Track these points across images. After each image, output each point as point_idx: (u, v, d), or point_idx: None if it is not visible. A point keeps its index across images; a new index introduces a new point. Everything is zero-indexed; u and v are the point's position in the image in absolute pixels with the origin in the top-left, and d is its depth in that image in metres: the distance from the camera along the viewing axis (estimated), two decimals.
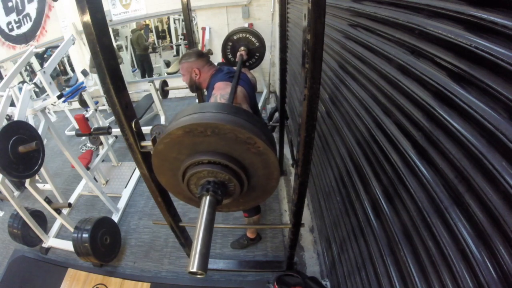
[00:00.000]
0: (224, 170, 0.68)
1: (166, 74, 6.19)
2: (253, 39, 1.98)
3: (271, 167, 0.70)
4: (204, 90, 1.62)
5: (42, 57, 6.44)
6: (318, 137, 1.99)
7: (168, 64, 6.81)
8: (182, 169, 0.72)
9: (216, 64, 4.11)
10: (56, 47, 2.53)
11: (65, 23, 4.56)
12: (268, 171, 0.71)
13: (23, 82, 5.52)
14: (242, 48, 1.97)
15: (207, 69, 1.51)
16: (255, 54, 2.02)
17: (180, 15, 6.49)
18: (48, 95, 2.20)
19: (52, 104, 2.27)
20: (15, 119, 1.88)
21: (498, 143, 0.54)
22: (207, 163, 0.68)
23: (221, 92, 1.30)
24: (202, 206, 0.68)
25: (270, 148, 0.65)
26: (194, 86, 1.57)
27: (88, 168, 2.72)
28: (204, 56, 1.53)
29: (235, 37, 1.98)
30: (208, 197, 0.69)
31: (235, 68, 1.60)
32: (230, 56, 2.05)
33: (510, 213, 0.52)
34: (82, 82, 3.67)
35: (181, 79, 1.61)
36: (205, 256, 0.60)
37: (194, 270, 0.58)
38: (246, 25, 4.46)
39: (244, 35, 1.97)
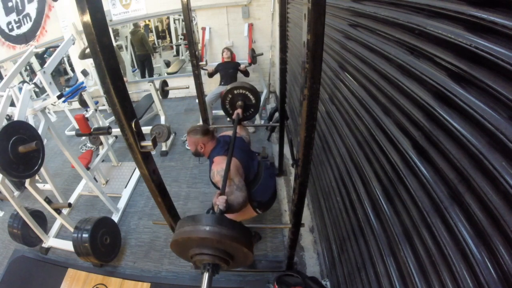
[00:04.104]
0: (220, 259, 1.08)
1: (166, 74, 6.18)
2: (250, 96, 2.17)
3: (248, 257, 1.11)
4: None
5: (42, 57, 6.45)
6: (318, 137, 1.99)
7: (168, 64, 6.81)
8: (190, 253, 1.11)
9: (216, 64, 4.12)
10: (56, 47, 2.53)
11: (65, 23, 4.56)
12: (246, 258, 1.12)
13: (23, 82, 5.52)
14: (239, 103, 2.16)
15: (210, 144, 1.82)
16: (250, 109, 2.24)
17: (180, 15, 6.49)
18: (48, 95, 2.20)
19: (52, 104, 2.27)
20: (15, 119, 1.88)
21: (498, 143, 0.54)
22: (210, 254, 1.07)
23: (217, 168, 1.63)
24: (203, 280, 1.06)
25: (249, 251, 1.05)
26: (198, 154, 1.88)
27: (88, 168, 2.72)
28: (209, 133, 1.82)
29: (235, 92, 2.16)
30: (207, 274, 1.07)
31: (230, 134, 1.89)
32: (228, 106, 2.23)
33: (510, 213, 0.52)
34: (82, 82, 3.67)
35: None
36: None
37: None
38: (246, 25, 4.46)
39: (243, 91, 2.15)
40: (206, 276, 1.06)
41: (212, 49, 4.81)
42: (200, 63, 2.18)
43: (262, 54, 4.36)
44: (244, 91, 2.15)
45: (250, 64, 4.09)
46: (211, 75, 3.96)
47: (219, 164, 1.63)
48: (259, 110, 3.99)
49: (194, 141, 1.80)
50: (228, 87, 2.18)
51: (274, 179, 2.02)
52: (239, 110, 2.12)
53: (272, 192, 1.94)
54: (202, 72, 3.34)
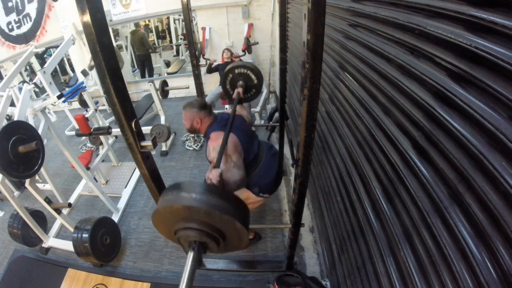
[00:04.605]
0: (208, 236, 0.90)
1: (166, 74, 6.18)
2: (252, 76, 2.04)
3: (243, 239, 0.94)
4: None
5: (42, 57, 6.45)
6: (318, 137, 1.99)
7: (168, 64, 6.81)
8: (175, 228, 0.93)
9: (216, 63, 4.09)
10: (56, 47, 2.53)
11: (65, 23, 4.56)
12: (240, 239, 0.96)
13: (23, 82, 5.52)
14: (240, 83, 2.03)
15: (207, 120, 1.70)
16: (252, 89, 2.11)
17: (180, 15, 6.49)
18: (48, 95, 2.20)
19: (52, 104, 2.27)
20: (15, 119, 1.88)
21: (498, 143, 0.54)
22: (196, 229, 0.89)
23: (213, 144, 1.51)
24: (187, 260, 0.88)
25: (245, 228, 0.88)
26: (194, 131, 1.77)
27: (88, 168, 2.72)
28: (206, 108, 1.71)
29: (236, 71, 2.04)
30: (192, 253, 0.89)
31: (229, 112, 1.74)
32: (228, 86, 2.12)
33: (510, 213, 0.52)
34: (82, 82, 3.67)
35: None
36: None
37: None
38: (246, 25, 4.46)
39: (245, 71, 2.03)
40: (190, 256, 0.89)
41: (212, 49, 4.81)
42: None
43: (257, 43, 4.33)
44: (245, 70, 2.03)
45: (244, 52, 4.05)
46: (210, 70, 3.92)
47: (216, 140, 1.52)
48: (263, 108, 4.00)
49: (189, 115, 1.69)
50: (229, 66, 2.05)
51: (277, 159, 1.90)
52: (239, 89, 1.99)
53: (276, 173, 1.84)
54: (202, 72, 3.33)
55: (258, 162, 1.75)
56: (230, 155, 1.47)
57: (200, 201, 0.84)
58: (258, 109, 3.78)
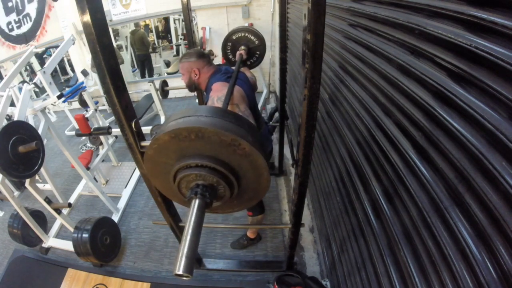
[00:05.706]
0: (211, 173, 0.68)
1: (166, 74, 6.19)
2: (252, 37, 1.96)
3: (260, 168, 0.68)
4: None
5: (42, 57, 6.46)
6: (318, 137, 1.99)
7: (168, 64, 6.82)
8: (172, 173, 0.73)
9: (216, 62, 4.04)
10: (56, 47, 2.53)
11: (65, 23, 4.56)
12: (257, 172, 0.70)
13: (23, 82, 5.52)
14: (242, 47, 1.95)
15: (207, 70, 1.50)
16: (255, 52, 2.00)
17: (180, 15, 6.49)
18: (48, 95, 2.20)
19: (52, 104, 2.27)
20: (15, 119, 1.88)
21: (498, 143, 0.54)
22: (195, 166, 0.68)
23: (217, 94, 1.31)
24: (191, 209, 0.68)
25: (256, 149, 0.63)
26: (193, 86, 1.56)
27: (88, 168, 2.72)
28: (205, 56, 1.52)
29: (234, 37, 1.97)
30: (196, 200, 0.69)
31: (234, 67, 1.60)
32: (230, 56, 2.05)
33: (510, 213, 0.52)
34: (82, 82, 3.67)
35: (180, 78, 1.61)
36: (191, 259, 0.60)
37: (180, 272, 0.59)
38: (246, 25, 4.46)
39: (243, 34, 1.96)
40: (195, 204, 0.68)
41: (213, 49, 4.81)
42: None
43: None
44: (244, 34, 1.93)
45: None
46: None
47: (220, 90, 1.31)
48: (263, 108, 3.99)
49: (186, 66, 1.48)
50: (226, 36, 1.98)
51: (270, 137, 1.77)
52: (241, 51, 1.83)
53: (270, 150, 1.71)
54: None
55: (260, 126, 1.57)
56: (237, 104, 1.29)
57: (189, 121, 0.63)
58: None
